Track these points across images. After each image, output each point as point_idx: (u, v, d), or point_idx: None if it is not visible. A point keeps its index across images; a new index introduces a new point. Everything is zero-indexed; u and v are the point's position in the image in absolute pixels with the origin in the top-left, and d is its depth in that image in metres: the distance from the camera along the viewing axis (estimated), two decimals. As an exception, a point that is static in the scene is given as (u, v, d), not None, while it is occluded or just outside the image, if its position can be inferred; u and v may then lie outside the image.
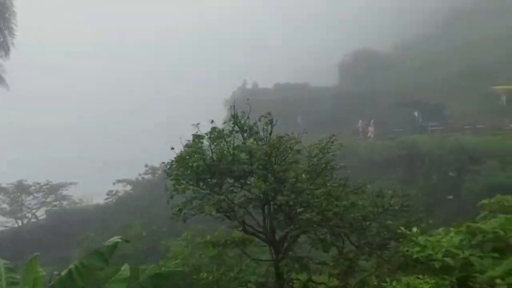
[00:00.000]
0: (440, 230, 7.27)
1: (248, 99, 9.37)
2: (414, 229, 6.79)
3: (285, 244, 8.43)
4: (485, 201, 7.11)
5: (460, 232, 6.36)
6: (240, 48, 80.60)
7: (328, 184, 8.42)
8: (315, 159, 8.83)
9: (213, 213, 7.79)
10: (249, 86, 53.58)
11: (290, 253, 8.31)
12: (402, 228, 6.89)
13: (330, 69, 58.78)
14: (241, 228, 8.51)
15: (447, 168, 25.32)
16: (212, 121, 8.50)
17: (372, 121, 36.20)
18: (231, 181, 8.63)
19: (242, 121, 8.58)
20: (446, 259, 5.90)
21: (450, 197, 23.69)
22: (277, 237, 8.51)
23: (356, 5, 68.59)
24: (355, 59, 55.66)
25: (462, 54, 43.75)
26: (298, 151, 8.90)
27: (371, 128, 35.54)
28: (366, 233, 8.02)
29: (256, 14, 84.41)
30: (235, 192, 8.55)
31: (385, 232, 7.83)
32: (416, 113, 35.08)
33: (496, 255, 5.74)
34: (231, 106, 9.09)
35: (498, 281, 5.19)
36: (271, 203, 8.35)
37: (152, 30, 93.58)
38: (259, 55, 73.28)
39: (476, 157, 24.20)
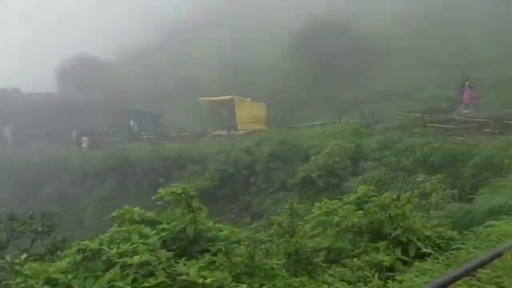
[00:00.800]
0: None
1: None
2: (23, 256, 5.87)
3: None
4: (115, 213, 6.76)
5: (70, 254, 5.73)
6: None
7: None
8: None
9: None
10: None
11: None
12: (7, 257, 5.86)
13: (48, 75, 53.64)
14: None
15: (156, 175, 26.06)
16: None
17: (86, 131, 34.54)
18: None
19: None
20: (45, 286, 5.19)
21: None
22: None
23: (78, 10, 65.28)
24: (76, 66, 52.30)
25: (181, 67, 46.78)
26: None
27: (85, 138, 33.81)
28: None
29: None
30: None
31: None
32: (132, 122, 35.35)
33: (99, 273, 5.33)
34: None
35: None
36: None
37: None
38: None
39: (180, 163, 25.83)
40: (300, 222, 6.84)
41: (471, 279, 5.45)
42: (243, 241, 5.75)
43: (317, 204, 8.05)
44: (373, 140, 20.95)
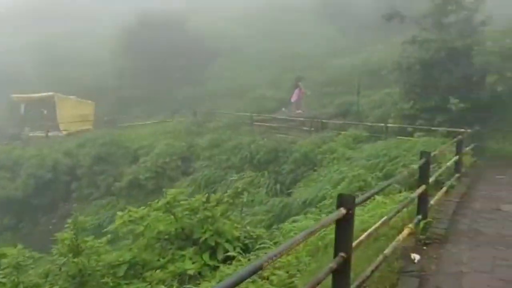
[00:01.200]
0: None
1: None
2: None
3: None
4: None
5: None
6: None
7: None
8: None
9: None
10: None
11: None
12: None
13: None
14: None
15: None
16: None
17: None
18: None
19: None
20: None
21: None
22: None
23: None
24: None
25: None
26: None
27: None
28: None
29: None
30: None
31: None
32: None
33: None
34: None
35: None
36: None
37: None
38: None
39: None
40: (89, 238, 5.91)
41: (265, 282, 5.27)
42: (6, 267, 4.61)
43: (119, 213, 7.21)
44: (204, 139, 20.84)
